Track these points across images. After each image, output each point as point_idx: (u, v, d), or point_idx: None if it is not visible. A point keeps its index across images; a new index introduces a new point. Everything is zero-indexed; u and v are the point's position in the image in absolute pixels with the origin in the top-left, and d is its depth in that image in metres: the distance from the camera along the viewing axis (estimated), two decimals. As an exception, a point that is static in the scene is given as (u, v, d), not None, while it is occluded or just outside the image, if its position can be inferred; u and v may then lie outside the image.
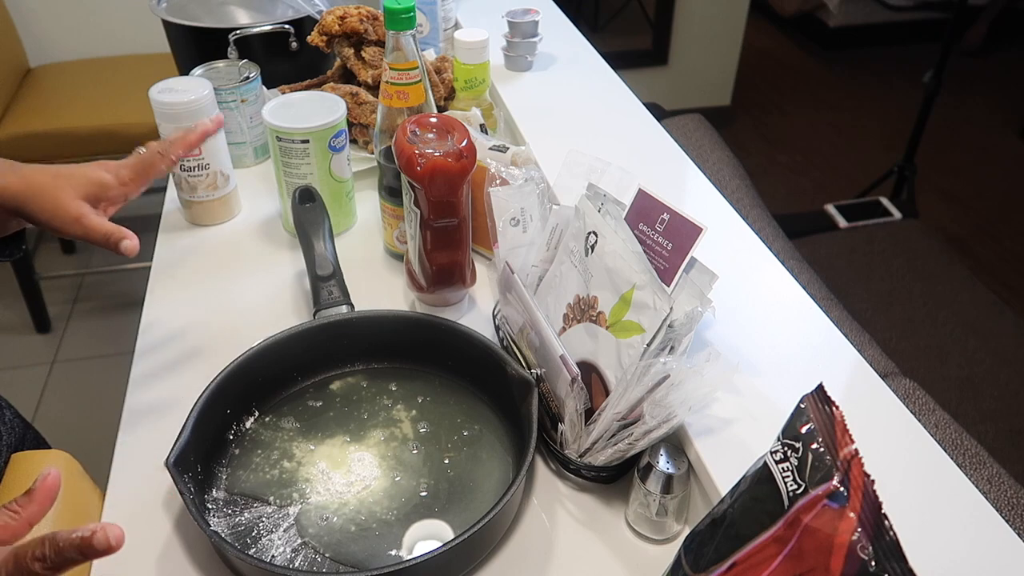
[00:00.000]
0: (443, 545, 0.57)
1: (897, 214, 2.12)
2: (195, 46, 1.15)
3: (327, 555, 0.63)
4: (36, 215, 0.68)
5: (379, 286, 0.91)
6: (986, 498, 0.59)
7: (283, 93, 1.10)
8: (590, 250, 0.68)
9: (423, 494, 0.67)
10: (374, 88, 1.08)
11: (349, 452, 0.71)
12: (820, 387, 0.45)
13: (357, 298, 0.81)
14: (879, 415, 0.66)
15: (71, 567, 0.48)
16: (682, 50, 3.03)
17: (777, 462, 0.44)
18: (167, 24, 1.17)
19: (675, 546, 0.63)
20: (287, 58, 1.17)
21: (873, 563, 0.39)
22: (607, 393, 0.64)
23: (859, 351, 0.73)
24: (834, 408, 0.43)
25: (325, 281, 0.82)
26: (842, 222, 2.07)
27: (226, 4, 1.32)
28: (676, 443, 0.65)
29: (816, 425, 0.43)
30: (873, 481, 0.40)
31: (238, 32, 1.11)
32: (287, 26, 1.15)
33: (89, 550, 0.48)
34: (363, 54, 1.09)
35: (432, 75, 1.10)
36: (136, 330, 0.85)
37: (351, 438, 0.72)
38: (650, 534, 0.65)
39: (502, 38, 1.24)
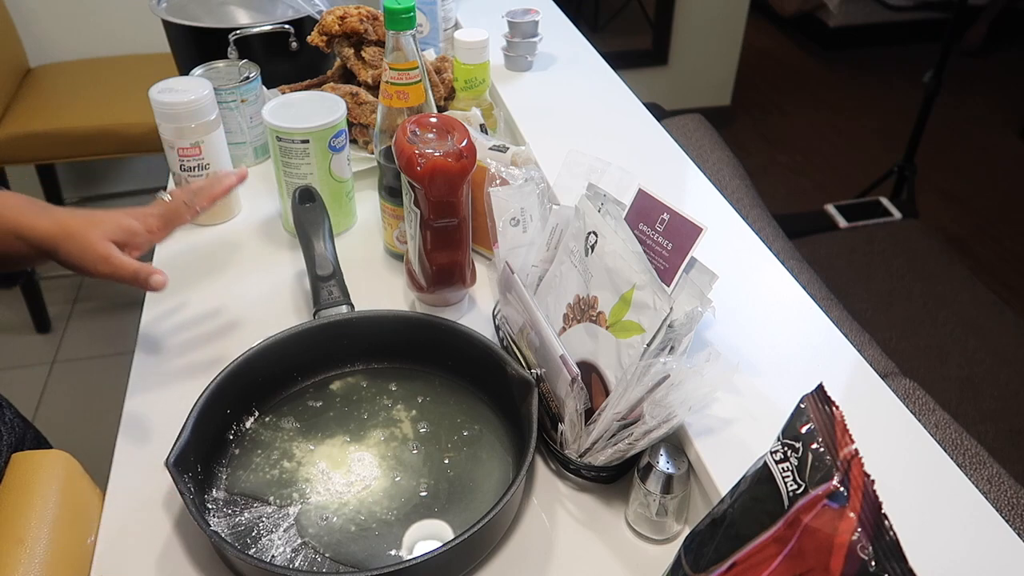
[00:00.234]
0: (443, 545, 0.57)
1: (897, 214, 2.12)
2: (195, 46, 1.15)
3: (327, 555, 0.63)
4: (66, 257, 0.71)
5: (379, 286, 0.91)
6: (986, 498, 0.59)
7: (283, 93, 1.10)
8: (590, 250, 0.68)
9: (423, 494, 0.67)
10: (374, 88, 1.08)
11: (349, 452, 0.71)
12: (820, 387, 0.45)
13: (357, 298, 0.81)
14: (879, 415, 0.66)
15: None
16: (682, 50, 3.02)
17: (777, 462, 0.44)
18: (167, 24, 1.17)
19: (675, 546, 0.63)
20: (287, 58, 1.17)
21: (873, 563, 0.39)
22: (607, 393, 0.64)
23: (859, 351, 0.73)
24: (834, 408, 0.43)
25: (325, 281, 0.82)
26: (842, 222, 2.07)
27: (226, 4, 1.32)
28: (676, 443, 0.65)
29: (816, 425, 0.43)
30: (873, 481, 0.40)
31: (238, 32, 1.11)
32: (287, 26, 1.15)
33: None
34: (363, 54, 1.09)
35: (432, 75, 1.10)
36: (136, 330, 0.85)
37: (351, 438, 0.72)
38: (650, 534, 0.65)
39: (502, 38, 1.24)
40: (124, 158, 2.37)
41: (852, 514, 0.39)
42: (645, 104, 1.17)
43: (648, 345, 0.61)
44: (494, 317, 0.82)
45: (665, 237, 0.65)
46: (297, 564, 0.62)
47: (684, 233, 0.64)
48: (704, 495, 0.64)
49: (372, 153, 1.06)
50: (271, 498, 0.67)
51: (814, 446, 0.42)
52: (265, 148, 1.12)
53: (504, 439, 0.72)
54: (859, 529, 0.39)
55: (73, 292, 2.31)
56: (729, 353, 0.71)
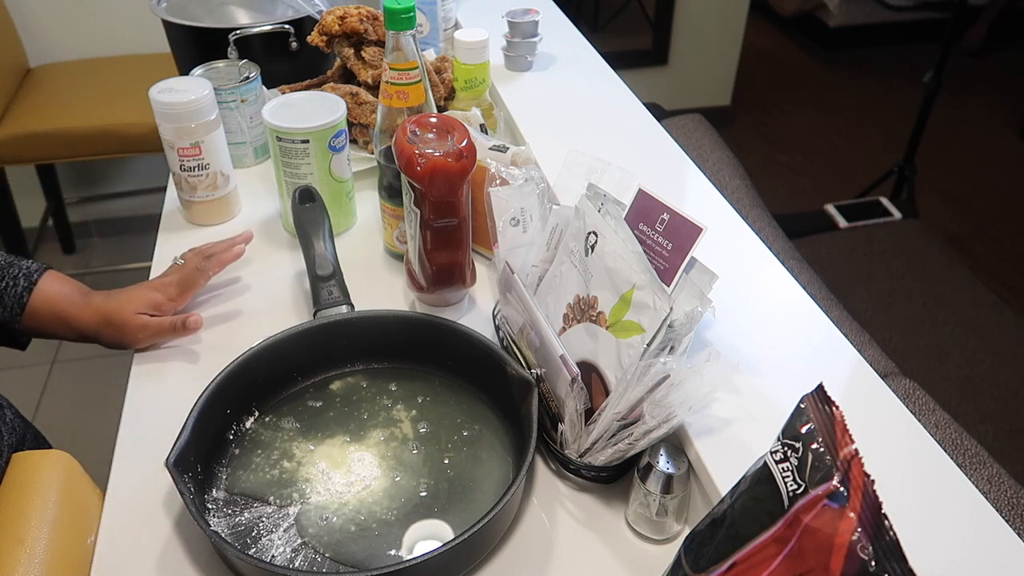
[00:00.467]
0: (443, 545, 0.57)
1: (897, 214, 2.12)
2: (195, 46, 1.15)
3: (327, 555, 0.63)
4: (109, 341, 0.81)
5: (379, 286, 0.91)
6: (986, 498, 0.59)
7: (283, 93, 1.10)
8: (590, 250, 0.68)
9: (423, 494, 0.67)
10: (374, 88, 1.08)
11: (349, 452, 0.71)
12: (820, 387, 0.45)
13: (357, 298, 0.81)
14: (879, 415, 0.66)
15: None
16: (682, 50, 3.02)
17: (777, 462, 0.44)
18: (167, 24, 1.17)
19: (675, 546, 0.63)
20: (287, 58, 1.17)
21: (873, 563, 0.39)
22: (607, 393, 0.64)
23: (859, 351, 0.73)
24: (834, 408, 0.43)
25: (325, 281, 0.82)
26: (842, 222, 2.07)
27: (226, 4, 1.32)
28: (676, 443, 0.65)
29: (816, 425, 0.43)
30: (873, 481, 0.40)
31: (238, 32, 1.11)
32: (287, 26, 1.15)
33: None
34: (363, 54, 1.09)
35: (432, 75, 1.10)
36: (136, 330, 0.85)
37: (351, 438, 0.72)
38: (650, 534, 0.65)
39: (502, 38, 1.24)
40: (124, 158, 2.38)
41: (852, 514, 0.39)
42: (645, 104, 1.17)
43: (648, 345, 0.61)
44: (494, 317, 0.82)
45: (665, 237, 0.65)
46: (297, 564, 0.62)
47: (684, 233, 0.64)
48: (704, 495, 0.64)
49: (372, 153, 1.06)
50: (271, 498, 0.67)
51: (814, 446, 0.42)
52: (265, 148, 1.12)
53: (504, 439, 0.72)
54: (859, 529, 0.39)
55: (73, 292, 2.30)
56: (729, 353, 0.71)
